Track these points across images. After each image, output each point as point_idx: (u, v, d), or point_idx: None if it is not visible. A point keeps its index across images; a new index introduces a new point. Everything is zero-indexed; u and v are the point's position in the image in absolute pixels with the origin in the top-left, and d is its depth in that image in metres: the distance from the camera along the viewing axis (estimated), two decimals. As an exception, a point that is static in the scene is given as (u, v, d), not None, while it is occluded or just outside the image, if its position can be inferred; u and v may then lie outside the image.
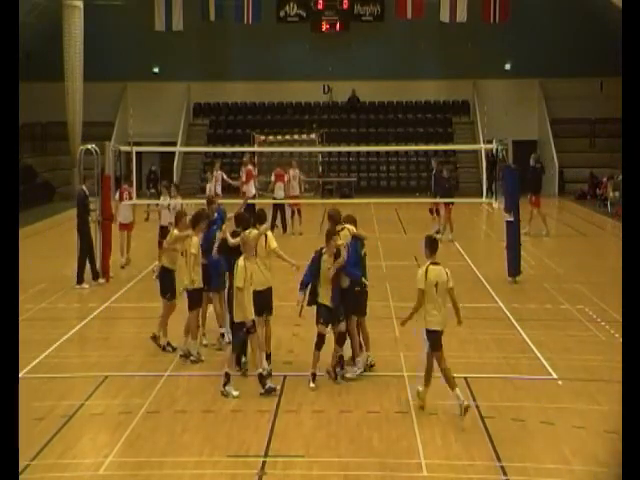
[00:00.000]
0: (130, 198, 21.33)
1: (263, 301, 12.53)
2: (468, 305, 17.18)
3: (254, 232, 12.76)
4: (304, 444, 10.17)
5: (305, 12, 40.07)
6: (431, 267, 11.09)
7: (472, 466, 9.57)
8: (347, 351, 12.73)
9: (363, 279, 12.69)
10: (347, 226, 13.04)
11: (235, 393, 11.74)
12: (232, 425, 10.80)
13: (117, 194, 21.23)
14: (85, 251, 19.00)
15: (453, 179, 26.93)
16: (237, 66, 40.36)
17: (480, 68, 39.49)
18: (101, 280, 19.15)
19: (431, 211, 26.59)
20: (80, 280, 18.87)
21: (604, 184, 34.18)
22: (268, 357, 12.79)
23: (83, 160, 21.05)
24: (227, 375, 11.83)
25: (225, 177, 27.33)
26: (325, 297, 12.22)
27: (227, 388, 11.80)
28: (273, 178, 27.42)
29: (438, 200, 25.39)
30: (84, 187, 19.57)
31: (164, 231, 19.73)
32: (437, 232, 25.97)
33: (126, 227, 21.22)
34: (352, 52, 40.16)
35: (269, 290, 12.73)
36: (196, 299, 13.46)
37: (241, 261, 11.78)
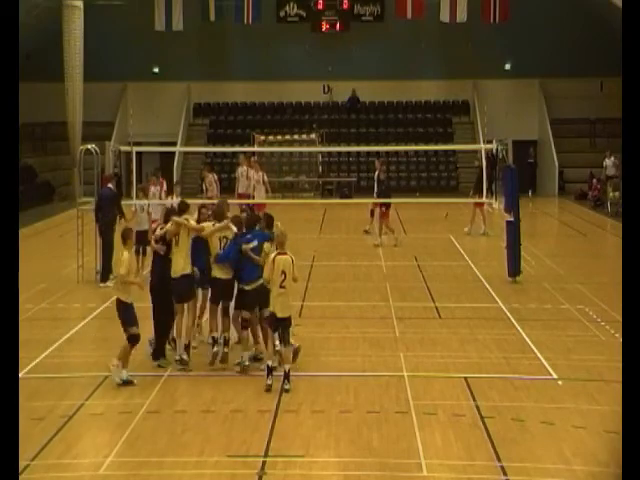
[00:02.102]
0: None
1: (180, 289, 12.99)
2: (468, 305, 17.27)
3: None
4: (304, 444, 10.17)
5: (305, 12, 40.02)
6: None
7: (472, 466, 9.57)
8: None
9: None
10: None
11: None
12: (232, 425, 10.80)
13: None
14: (110, 249, 19.02)
15: (388, 180, 26.09)
16: (237, 66, 40.34)
17: (480, 68, 39.45)
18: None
19: (372, 213, 25.71)
20: (105, 278, 18.95)
21: (594, 185, 34.05)
22: (187, 347, 12.97)
23: (83, 160, 21.06)
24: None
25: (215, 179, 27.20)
26: None
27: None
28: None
29: (375, 201, 24.94)
30: (111, 186, 19.62)
31: (141, 236, 19.20)
32: (366, 232, 25.90)
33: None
34: (352, 52, 40.11)
35: (184, 278, 12.92)
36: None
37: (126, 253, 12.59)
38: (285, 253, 12.20)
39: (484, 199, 22.64)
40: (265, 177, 27.13)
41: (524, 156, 37.87)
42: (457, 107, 41.45)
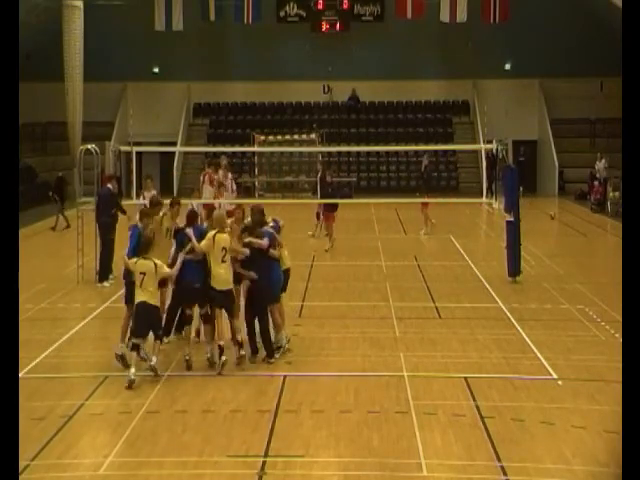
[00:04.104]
0: (211, 182, 22.70)
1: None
2: (468, 305, 17.27)
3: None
4: (304, 444, 10.17)
5: (305, 12, 40.06)
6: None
7: (472, 466, 9.56)
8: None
9: None
10: None
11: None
12: (232, 425, 10.80)
13: (201, 177, 22.67)
14: (108, 249, 19.00)
15: (331, 182, 25.46)
16: (237, 66, 40.36)
17: (480, 68, 39.49)
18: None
19: (317, 215, 25.16)
20: (102, 278, 18.95)
21: (596, 188, 33.89)
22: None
23: (83, 160, 21.06)
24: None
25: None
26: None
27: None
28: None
29: (320, 201, 24.78)
30: (110, 186, 19.63)
31: None
32: (312, 235, 25.67)
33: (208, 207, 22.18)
34: (352, 52, 40.14)
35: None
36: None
37: None
38: (224, 232, 12.95)
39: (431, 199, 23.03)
40: (229, 179, 26.38)
41: (524, 156, 37.90)
42: (457, 107, 41.48)
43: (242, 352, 13.00)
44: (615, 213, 30.20)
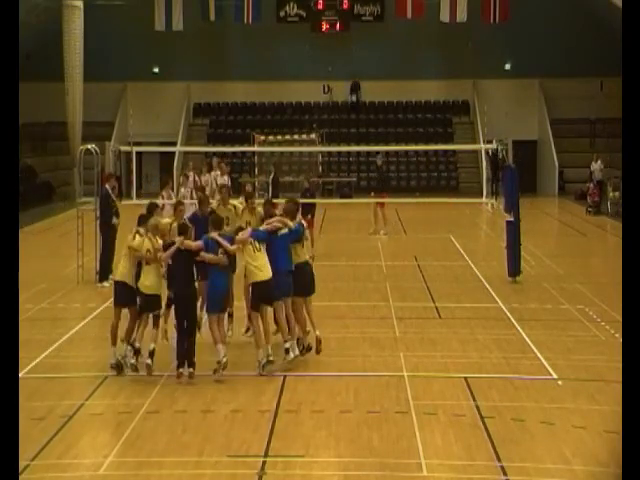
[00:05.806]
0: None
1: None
2: (468, 305, 17.27)
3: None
4: (304, 444, 10.16)
5: (305, 12, 40.09)
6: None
7: (472, 466, 9.56)
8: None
9: None
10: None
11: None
12: (232, 425, 10.79)
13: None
14: (108, 249, 18.99)
15: (314, 187, 25.01)
16: (237, 66, 40.37)
17: (480, 68, 39.51)
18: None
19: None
20: (102, 278, 18.94)
21: (590, 190, 33.70)
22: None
23: (83, 160, 21.07)
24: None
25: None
26: None
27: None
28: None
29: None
30: (107, 186, 19.64)
31: None
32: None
33: None
34: (352, 52, 40.17)
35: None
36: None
37: None
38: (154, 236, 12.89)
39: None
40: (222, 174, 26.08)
41: (522, 157, 37.80)
42: (457, 107, 41.49)
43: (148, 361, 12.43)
44: (615, 213, 30.17)
